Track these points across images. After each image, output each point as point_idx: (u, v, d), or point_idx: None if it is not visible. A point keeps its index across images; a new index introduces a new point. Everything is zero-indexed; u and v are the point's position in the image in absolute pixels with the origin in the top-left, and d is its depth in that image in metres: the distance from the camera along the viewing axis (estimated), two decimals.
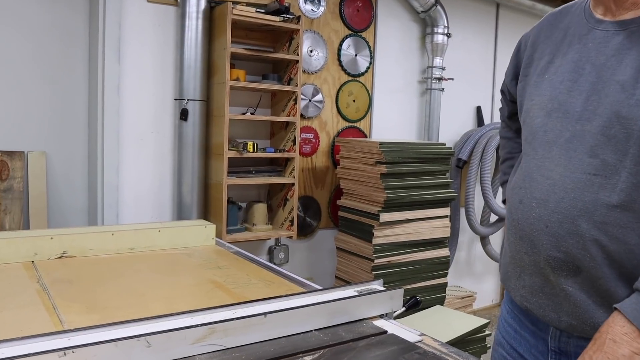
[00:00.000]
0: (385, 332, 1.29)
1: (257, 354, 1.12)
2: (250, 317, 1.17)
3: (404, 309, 1.48)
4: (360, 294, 1.39)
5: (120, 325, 1.09)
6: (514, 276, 1.25)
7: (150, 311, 1.17)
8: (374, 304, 1.38)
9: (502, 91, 1.56)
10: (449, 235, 3.61)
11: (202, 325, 1.10)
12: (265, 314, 1.19)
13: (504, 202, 1.62)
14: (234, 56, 3.06)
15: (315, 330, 1.26)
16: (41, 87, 3.01)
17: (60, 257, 1.86)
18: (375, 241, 3.27)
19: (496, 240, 4.89)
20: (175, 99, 3.15)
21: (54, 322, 1.27)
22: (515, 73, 1.40)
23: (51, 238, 1.86)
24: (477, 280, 4.92)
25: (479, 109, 4.70)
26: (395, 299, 1.43)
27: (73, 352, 0.95)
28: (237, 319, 1.15)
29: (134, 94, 3.08)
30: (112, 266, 1.82)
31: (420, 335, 1.28)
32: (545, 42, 1.27)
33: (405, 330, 1.32)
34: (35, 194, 2.95)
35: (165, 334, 1.05)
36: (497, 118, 4.78)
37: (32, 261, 1.80)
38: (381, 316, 1.39)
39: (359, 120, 3.97)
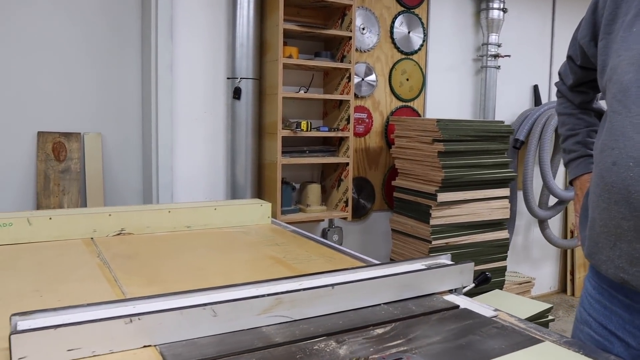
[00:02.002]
0: (458, 306, 1.23)
1: (326, 326, 1.07)
2: (317, 288, 1.12)
3: (473, 284, 1.40)
4: (429, 268, 1.33)
5: (184, 294, 1.06)
6: (607, 246, 1.14)
7: (211, 284, 1.13)
8: (443, 279, 1.32)
9: (569, 57, 1.46)
10: (508, 216, 3.48)
11: (268, 295, 1.06)
12: (333, 285, 1.14)
13: (570, 183, 1.52)
14: (286, 34, 3.01)
15: (383, 304, 1.21)
16: (95, 69, 3.04)
17: (118, 234, 1.87)
18: (432, 222, 3.18)
19: (555, 224, 4.72)
20: (227, 78, 3.12)
21: (116, 293, 1.26)
22: (593, 32, 1.29)
23: (109, 215, 1.87)
24: (534, 266, 4.76)
25: (535, 88, 4.53)
26: (465, 274, 1.36)
27: (139, 319, 0.93)
28: (304, 289, 1.10)
29: (187, 74, 3.06)
30: (169, 243, 1.81)
31: (494, 311, 1.21)
32: None
33: (478, 305, 1.25)
34: (92, 175, 2.98)
35: (231, 303, 1.02)
36: (554, 97, 4.58)
37: (92, 238, 1.82)
38: (450, 291, 1.33)
39: (413, 99, 3.87)
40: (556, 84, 1.57)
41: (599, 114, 1.48)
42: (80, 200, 2.94)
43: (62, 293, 1.25)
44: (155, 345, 0.95)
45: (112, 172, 3.10)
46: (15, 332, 0.85)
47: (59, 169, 2.90)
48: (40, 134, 2.88)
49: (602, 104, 1.32)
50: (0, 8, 2.79)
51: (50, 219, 1.76)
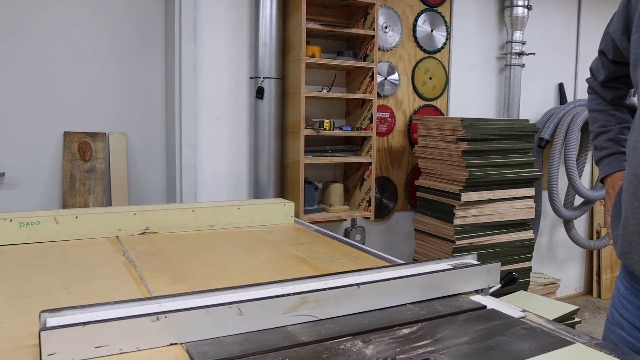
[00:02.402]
0: (485, 307, 1.21)
1: (352, 326, 1.06)
2: (343, 287, 1.11)
3: (500, 285, 1.38)
4: (455, 268, 1.31)
5: (210, 293, 1.05)
6: None
7: (236, 282, 1.13)
8: (469, 279, 1.30)
9: (601, 52, 1.43)
10: (533, 216, 3.43)
11: (294, 294, 1.05)
12: (358, 284, 1.12)
13: (601, 181, 1.49)
14: (308, 33, 3.00)
15: (409, 303, 1.19)
16: (120, 70, 3.07)
17: (143, 232, 1.88)
18: (456, 222, 3.15)
19: (581, 224, 4.64)
20: (250, 78, 3.13)
21: (141, 291, 1.26)
22: (626, 26, 1.27)
23: (134, 214, 1.88)
24: (559, 267, 4.69)
25: (561, 86, 4.46)
26: (492, 274, 1.34)
27: (166, 317, 0.93)
28: (329, 289, 1.09)
29: (210, 74, 3.08)
30: (193, 242, 1.81)
31: (522, 312, 1.19)
32: None
33: (506, 306, 1.23)
34: (117, 174, 3.01)
35: (257, 302, 1.01)
36: (580, 95, 4.53)
37: (117, 236, 1.83)
38: (477, 291, 1.31)
39: (436, 98, 3.84)
40: (587, 80, 1.54)
41: (632, 110, 1.44)
42: (105, 200, 2.97)
43: (88, 291, 1.26)
44: (181, 344, 0.95)
45: (137, 171, 3.13)
46: (44, 328, 0.85)
47: (85, 169, 2.93)
48: (66, 134, 2.92)
49: (635, 100, 1.29)
50: (26, 11, 2.83)
51: (76, 217, 1.78)
